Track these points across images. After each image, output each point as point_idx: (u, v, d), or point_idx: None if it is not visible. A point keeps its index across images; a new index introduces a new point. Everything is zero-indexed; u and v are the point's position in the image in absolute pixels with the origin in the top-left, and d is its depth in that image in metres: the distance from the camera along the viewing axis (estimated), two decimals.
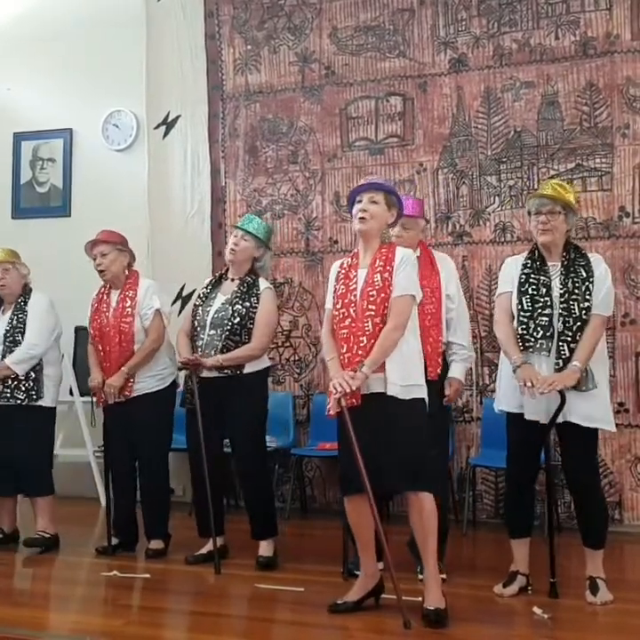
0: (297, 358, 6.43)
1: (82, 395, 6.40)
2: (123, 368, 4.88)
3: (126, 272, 5.10)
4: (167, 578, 4.55)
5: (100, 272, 5.03)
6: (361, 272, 3.89)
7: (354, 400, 3.72)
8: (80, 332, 6.43)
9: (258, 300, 4.74)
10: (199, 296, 4.90)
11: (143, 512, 5.00)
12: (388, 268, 3.81)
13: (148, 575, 4.52)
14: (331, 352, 3.89)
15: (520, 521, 4.18)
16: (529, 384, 3.87)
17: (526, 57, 5.93)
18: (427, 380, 3.94)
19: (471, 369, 5.74)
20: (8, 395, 5.02)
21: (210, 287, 4.90)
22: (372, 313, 3.77)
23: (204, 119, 6.74)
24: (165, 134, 6.83)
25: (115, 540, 4.97)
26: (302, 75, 6.50)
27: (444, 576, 4.01)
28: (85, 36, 7.02)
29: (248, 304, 4.72)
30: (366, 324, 3.76)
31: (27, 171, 7.29)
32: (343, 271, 3.96)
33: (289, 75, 6.54)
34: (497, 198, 5.96)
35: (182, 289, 6.51)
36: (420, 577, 4.01)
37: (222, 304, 4.75)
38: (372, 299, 3.79)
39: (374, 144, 6.29)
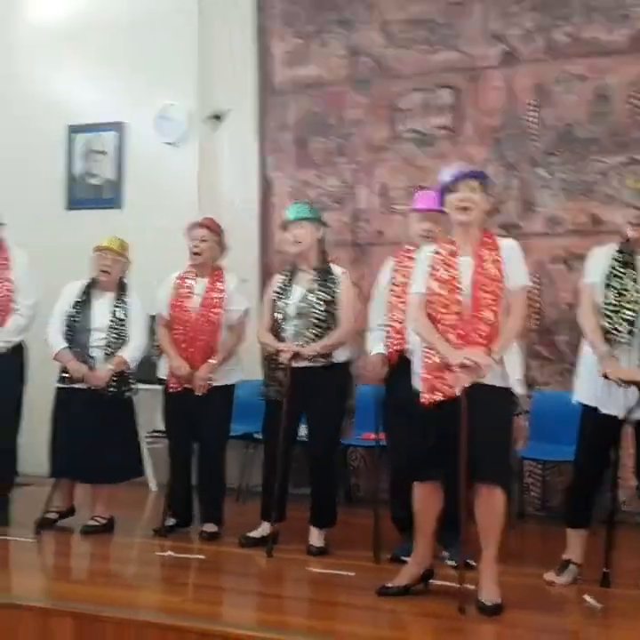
0: None
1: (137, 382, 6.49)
2: (212, 361, 4.96)
3: (215, 265, 5.16)
4: (221, 559, 4.65)
5: (195, 255, 5.08)
6: (463, 260, 3.83)
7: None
8: None
9: (336, 285, 4.79)
10: (275, 291, 4.91)
11: (199, 496, 5.09)
12: (496, 257, 3.80)
13: (202, 556, 4.60)
14: (433, 333, 3.81)
15: (582, 511, 4.17)
16: (610, 377, 3.87)
17: (578, 50, 5.92)
18: None
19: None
20: (115, 387, 5.12)
21: (285, 280, 4.92)
22: (490, 302, 3.75)
23: (253, 112, 6.80)
24: (216, 128, 6.90)
25: (171, 521, 5.08)
26: (352, 68, 6.54)
27: None
28: (138, 30, 7.12)
29: (329, 290, 4.77)
30: (486, 314, 3.74)
31: (80, 163, 7.39)
32: (441, 257, 3.88)
33: (338, 68, 6.59)
34: (548, 191, 5.96)
35: None
36: (450, 563, 4.10)
37: (303, 294, 4.79)
38: (487, 288, 3.76)
39: (423, 136, 6.32)
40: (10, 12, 7.66)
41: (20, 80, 7.52)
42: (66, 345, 5.16)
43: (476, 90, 6.18)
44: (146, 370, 5.50)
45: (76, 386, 5.10)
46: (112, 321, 5.17)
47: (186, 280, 5.13)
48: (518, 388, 3.82)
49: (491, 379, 3.73)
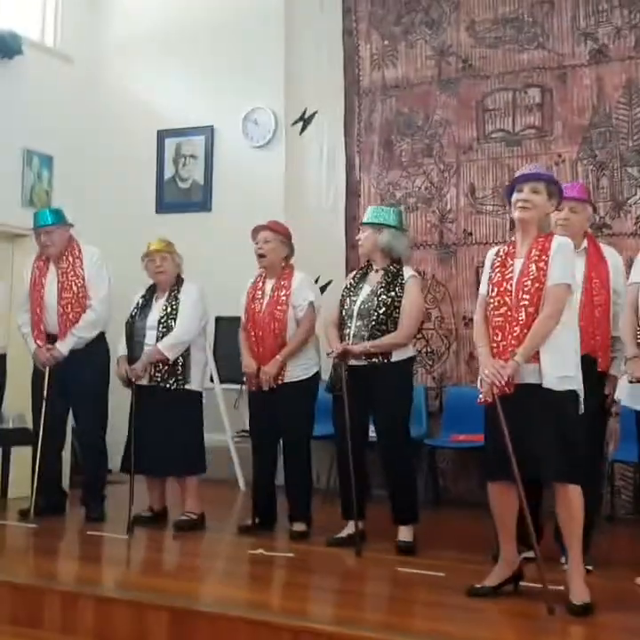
0: (430, 350, 6.47)
1: (222, 382, 6.60)
2: (277, 356, 5.01)
3: (283, 264, 5.23)
4: (310, 558, 4.69)
5: (260, 257, 5.18)
6: (517, 262, 3.86)
7: (507, 388, 3.71)
8: (220, 322, 6.65)
9: (402, 289, 4.79)
10: (346, 287, 4.97)
11: (287, 495, 5.14)
12: (543, 257, 3.79)
13: (291, 554, 4.66)
14: (482, 339, 3.89)
15: None
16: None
17: None
18: (599, 373, 3.92)
19: None
20: (158, 379, 5.23)
21: (357, 278, 4.97)
22: (526, 302, 3.76)
23: (340, 114, 6.86)
24: (302, 130, 6.98)
25: (248, 521, 5.14)
26: (439, 68, 6.56)
27: (589, 567, 3.99)
28: (226, 35, 7.26)
29: (393, 293, 4.77)
30: (520, 314, 3.76)
31: (170, 167, 7.57)
32: (499, 259, 3.94)
33: (425, 68, 6.61)
34: (639, 190, 5.87)
35: (316, 281, 6.62)
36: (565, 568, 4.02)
37: (368, 294, 4.82)
38: (526, 288, 3.77)
39: (511, 136, 6.29)
40: (101, 18, 7.88)
41: (111, 86, 7.74)
42: (124, 353, 5.35)
43: (565, 88, 6.13)
44: (232, 369, 5.56)
45: (141, 383, 5.23)
46: (161, 316, 5.28)
47: (258, 283, 5.24)
48: (560, 386, 3.75)
49: (527, 377, 3.73)
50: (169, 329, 5.25)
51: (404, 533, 4.75)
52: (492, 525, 4.04)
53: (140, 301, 5.43)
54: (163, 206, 7.57)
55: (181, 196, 7.51)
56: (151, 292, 5.46)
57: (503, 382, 3.69)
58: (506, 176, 6.20)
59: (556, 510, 3.80)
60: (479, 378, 3.82)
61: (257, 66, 7.11)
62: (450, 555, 4.59)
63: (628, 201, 5.91)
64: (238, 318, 5.67)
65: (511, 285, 3.83)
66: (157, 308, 5.36)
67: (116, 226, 7.24)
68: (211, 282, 5.80)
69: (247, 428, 6.10)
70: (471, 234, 6.40)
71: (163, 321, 5.28)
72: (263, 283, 5.22)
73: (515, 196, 3.91)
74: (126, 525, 5.00)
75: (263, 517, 5.16)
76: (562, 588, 3.74)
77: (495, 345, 3.82)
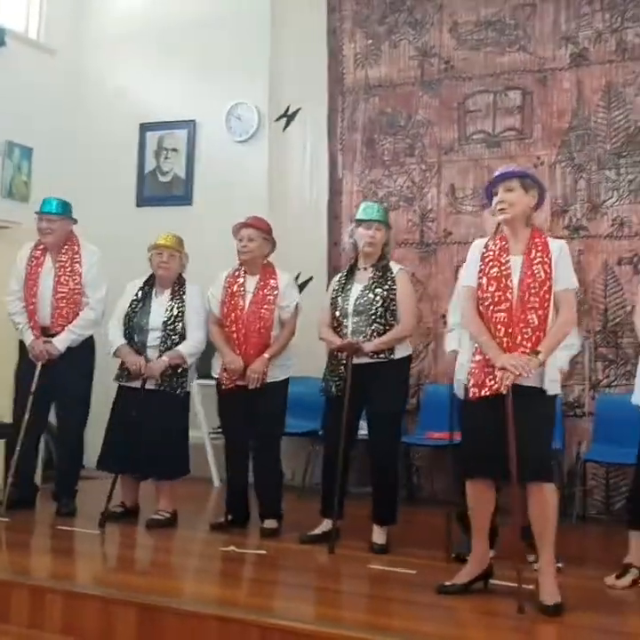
0: None
1: (198, 378, 6.60)
2: (265, 354, 5.01)
3: (265, 261, 5.23)
4: (282, 555, 4.70)
5: (243, 254, 5.15)
6: (514, 259, 3.88)
7: (503, 389, 3.74)
8: None
9: (394, 282, 4.83)
10: (334, 288, 4.98)
11: (258, 493, 5.15)
12: (545, 259, 3.83)
13: (263, 551, 4.67)
14: (484, 332, 3.87)
15: None
16: None
17: None
18: None
19: (584, 364, 5.76)
20: (166, 382, 5.18)
21: (344, 278, 4.98)
22: (536, 305, 3.80)
23: (323, 112, 6.88)
24: (286, 127, 6.99)
25: (221, 518, 5.16)
26: (422, 69, 6.59)
27: (559, 565, 4.04)
28: (211, 30, 7.25)
29: (387, 287, 4.81)
30: (531, 317, 3.79)
31: (151, 160, 7.56)
32: (491, 253, 3.94)
33: (408, 69, 6.64)
34: (615, 192, 5.93)
35: (297, 278, 6.64)
36: (535, 567, 4.07)
37: (361, 291, 4.84)
38: (534, 291, 3.80)
39: (492, 137, 6.33)
40: (85, 11, 7.86)
41: (94, 78, 7.71)
42: (125, 341, 5.26)
43: (546, 91, 6.18)
44: (207, 366, 5.56)
45: (132, 385, 5.18)
46: (168, 318, 5.23)
47: (237, 278, 5.19)
48: (555, 389, 3.85)
49: (526, 380, 3.77)
50: (175, 331, 5.21)
51: (378, 535, 4.77)
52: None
53: (139, 294, 5.34)
54: (143, 199, 7.56)
55: (162, 189, 7.51)
56: (150, 286, 5.38)
57: (531, 374, 3.72)
58: (486, 177, 6.18)
59: (528, 510, 3.82)
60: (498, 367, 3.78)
61: (241, 61, 7.10)
62: (422, 552, 4.63)
63: (605, 203, 5.96)
64: None
65: (511, 282, 3.85)
66: (160, 306, 5.28)
67: (95, 218, 7.20)
68: (189, 277, 5.80)
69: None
70: (451, 233, 6.44)
71: (169, 323, 5.22)
72: (243, 279, 5.19)
73: (494, 200, 3.96)
74: (98, 521, 5.01)
75: (236, 514, 5.17)
76: (532, 587, 3.77)
77: (498, 341, 3.83)
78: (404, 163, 6.62)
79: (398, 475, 4.99)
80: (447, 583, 3.96)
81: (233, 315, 5.12)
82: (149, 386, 5.16)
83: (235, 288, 5.17)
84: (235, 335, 5.11)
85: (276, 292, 5.11)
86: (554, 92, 6.15)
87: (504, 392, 3.74)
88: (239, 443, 5.16)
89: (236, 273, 5.23)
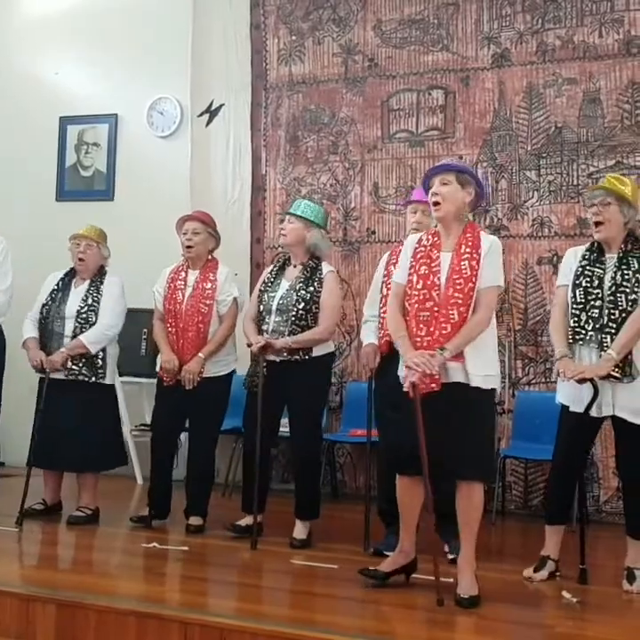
0: None
1: (121, 375, 6.52)
2: (200, 354, 4.94)
3: (209, 257, 5.19)
4: (205, 551, 4.67)
5: (188, 248, 5.09)
6: (444, 255, 3.86)
7: (434, 385, 3.73)
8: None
9: (321, 284, 4.80)
10: (263, 282, 4.95)
11: (187, 490, 5.09)
12: (474, 255, 3.80)
13: (186, 548, 4.63)
14: (401, 329, 3.86)
15: (560, 509, 4.23)
16: (562, 375, 3.94)
17: (569, 54, 5.97)
18: None
19: (505, 362, 5.83)
20: (76, 371, 5.08)
21: (274, 273, 4.96)
22: (459, 301, 3.76)
23: (246, 108, 6.84)
24: (208, 122, 6.94)
25: (142, 512, 5.12)
26: (345, 66, 6.59)
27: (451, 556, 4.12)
28: (133, 23, 7.16)
29: (312, 288, 4.77)
30: (451, 313, 3.75)
31: (72, 154, 7.42)
32: (423, 250, 3.91)
33: (332, 66, 6.63)
34: (536, 193, 6.01)
35: None
36: (451, 556, 4.12)
37: (287, 290, 4.82)
38: (459, 287, 3.76)
39: (415, 136, 6.37)
40: (2, 3, 7.68)
41: (13, 71, 7.54)
42: (33, 334, 5.18)
43: (468, 91, 6.24)
44: (134, 362, 5.49)
45: (53, 376, 5.07)
46: (80, 307, 5.15)
47: (180, 273, 5.15)
48: (486, 385, 3.82)
49: (454, 376, 3.78)
50: (88, 321, 5.12)
51: (300, 530, 4.77)
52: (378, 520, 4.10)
53: (60, 284, 5.27)
54: (63, 194, 7.42)
55: (83, 184, 7.38)
56: (70, 277, 5.31)
57: (434, 371, 3.69)
58: (409, 176, 6.31)
59: (456, 505, 3.85)
60: (401, 366, 3.80)
61: (164, 55, 7.03)
62: (344, 547, 4.64)
63: (526, 203, 6.04)
64: (139, 310, 5.62)
65: (439, 279, 3.82)
66: (76, 296, 5.21)
67: (15, 212, 7.10)
68: (110, 271, 5.72)
69: (146, 421, 6.07)
70: (374, 232, 6.46)
71: (82, 312, 5.13)
72: (186, 273, 5.14)
73: (429, 193, 3.94)
74: (16, 518, 4.91)
75: (158, 510, 5.11)
76: (452, 580, 3.82)
77: (419, 339, 3.79)
78: (328, 160, 6.62)
79: (320, 470, 5.00)
80: (371, 567, 3.97)
81: (172, 309, 5.06)
82: (59, 376, 5.06)
83: (176, 283, 5.11)
84: (173, 329, 5.05)
85: (215, 286, 5.06)
86: (476, 91, 6.21)
87: (405, 390, 3.75)
88: (167, 438, 5.11)
89: (179, 268, 5.18)
